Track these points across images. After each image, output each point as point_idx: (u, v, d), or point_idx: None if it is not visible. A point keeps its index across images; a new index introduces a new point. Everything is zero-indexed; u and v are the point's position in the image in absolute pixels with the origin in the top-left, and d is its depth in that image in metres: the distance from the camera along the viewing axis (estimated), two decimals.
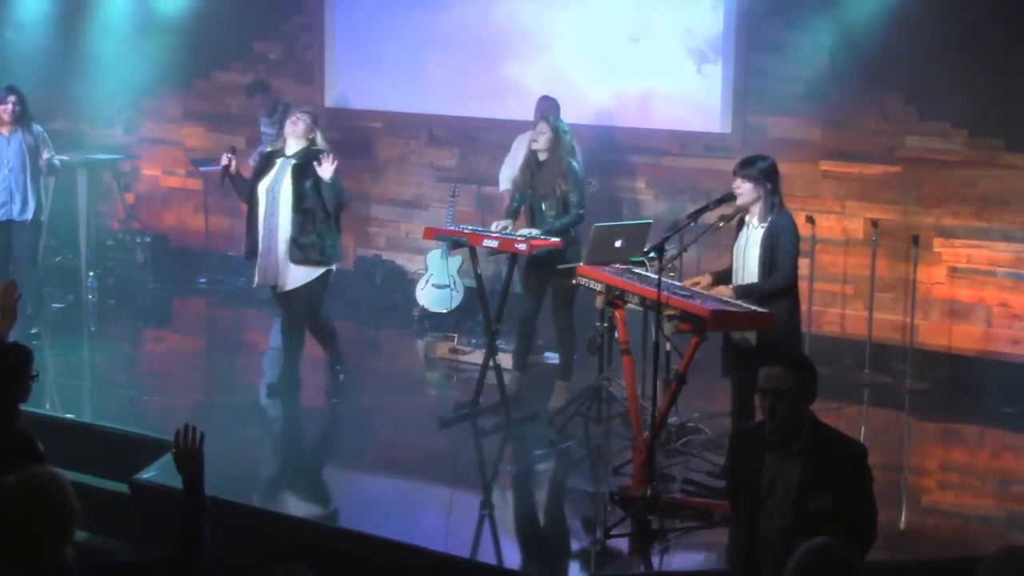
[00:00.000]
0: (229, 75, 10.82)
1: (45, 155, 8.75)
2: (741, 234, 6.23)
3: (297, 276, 7.35)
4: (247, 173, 7.69)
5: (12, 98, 8.63)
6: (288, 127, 7.48)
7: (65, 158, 9.59)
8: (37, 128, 8.82)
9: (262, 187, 7.36)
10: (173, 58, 10.59)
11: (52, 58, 10.59)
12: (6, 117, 8.65)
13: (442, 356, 8.54)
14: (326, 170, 7.16)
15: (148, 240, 10.64)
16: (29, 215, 8.74)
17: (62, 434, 6.48)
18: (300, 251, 7.28)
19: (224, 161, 7.46)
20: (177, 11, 10.43)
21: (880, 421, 7.84)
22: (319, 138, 7.46)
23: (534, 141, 7.30)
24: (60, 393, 7.68)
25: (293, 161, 7.33)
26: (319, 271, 7.38)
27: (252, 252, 7.46)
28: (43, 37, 10.68)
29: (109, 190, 11.04)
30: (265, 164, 7.48)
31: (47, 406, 7.26)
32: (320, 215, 7.28)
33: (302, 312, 7.52)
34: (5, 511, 3.30)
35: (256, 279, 7.54)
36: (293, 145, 7.42)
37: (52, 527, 3.32)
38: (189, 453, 3.82)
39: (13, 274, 8.63)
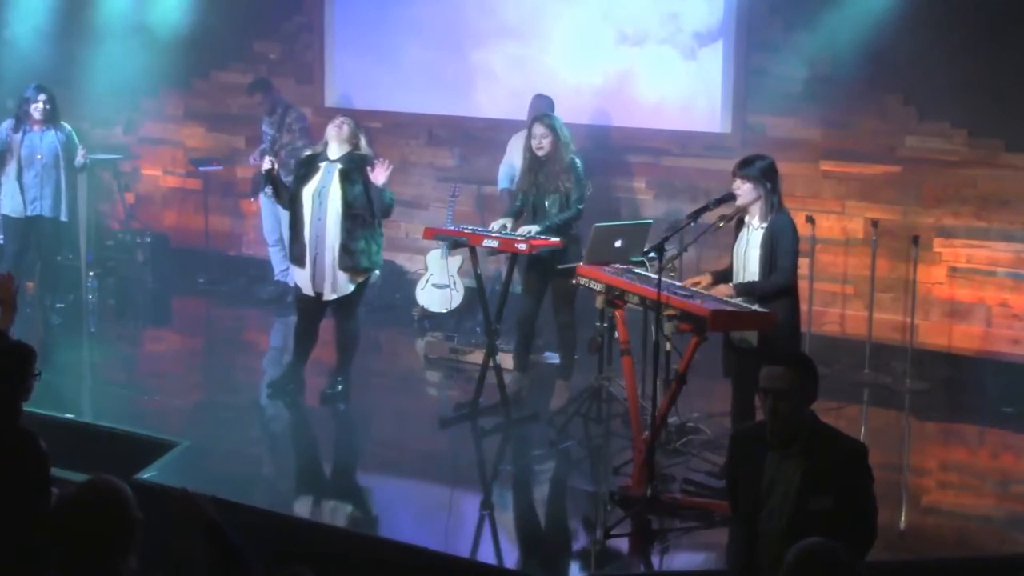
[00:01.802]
0: (229, 75, 10.82)
1: (81, 152, 8.97)
2: (741, 234, 6.23)
3: (345, 283, 7.29)
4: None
5: (43, 96, 8.83)
6: (332, 130, 7.35)
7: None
8: (67, 127, 9.02)
9: (307, 192, 7.26)
10: (173, 58, 10.59)
11: (52, 58, 10.58)
12: (37, 115, 8.83)
13: (442, 356, 8.54)
14: (380, 176, 7.12)
15: (148, 240, 10.63)
16: (60, 213, 8.95)
17: (62, 434, 6.47)
18: (350, 258, 7.21)
19: (267, 165, 7.41)
20: (177, 11, 10.43)
21: (880, 421, 7.84)
22: (363, 142, 7.39)
23: (539, 148, 7.25)
24: (60, 393, 7.67)
25: (339, 166, 7.25)
26: (363, 277, 7.36)
27: (299, 259, 7.35)
28: (43, 37, 10.69)
29: (109, 190, 11.04)
30: (308, 168, 7.36)
31: (47, 406, 7.24)
32: (368, 220, 7.24)
33: (342, 315, 7.46)
34: (65, 521, 3.28)
35: (305, 287, 7.37)
36: (336, 149, 7.31)
37: (112, 538, 3.28)
38: (188, 507, 3.65)
39: (37, 268, 8.84)
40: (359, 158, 7.27)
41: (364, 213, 7.22)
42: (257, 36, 10.68)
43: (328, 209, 7.21)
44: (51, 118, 8.86)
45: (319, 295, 7.36)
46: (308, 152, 7.63)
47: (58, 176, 8.87)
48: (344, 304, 7.41)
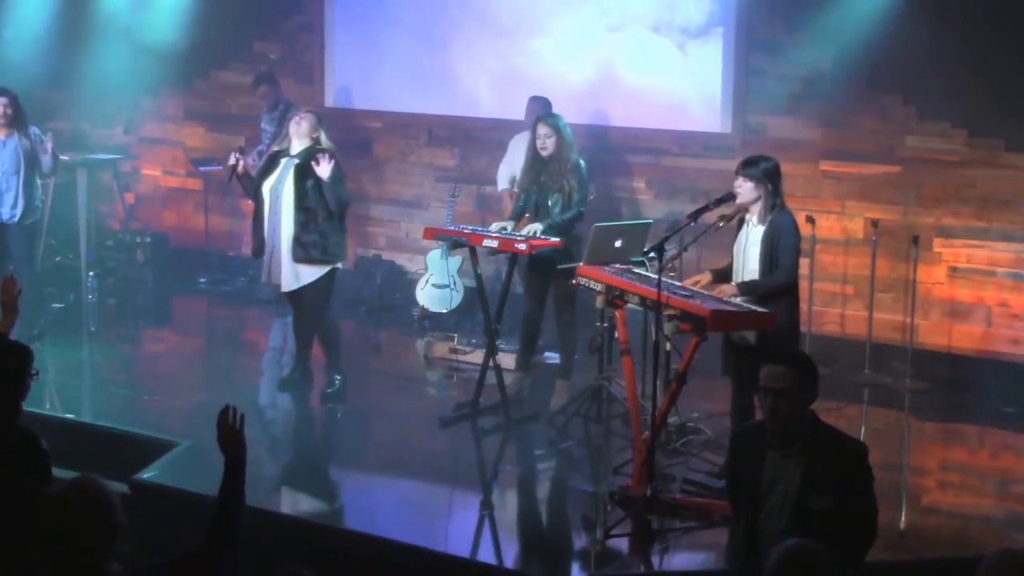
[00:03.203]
0: (229, 75, 10.83)
1: (49, 145, 8.53)
2: (741, 233, 6.23)
3: (301, 275, 7.38)
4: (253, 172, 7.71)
5: (3, 100, 8.45)
6: (292, 127, 7.48)
7: (65, 158, 9.57)
8: (34, 131, 8.65)
9: (266, 187, 7.41)
10: (173, 58, 10.59)
11: (52, 58, 10.58)
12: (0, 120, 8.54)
13: (442, 356, 8.54)
14: (323, 170, 7.19)
15: (148, 240, 10.64)
16: (23, 217, 8.58)
17: (62, 434, 6.47)
18: (302, 250, 7.30)
19: (231, 161, 7.47)
20: (177, 11, 10.43)
21: (880, 421, 7.84)
22: (323, 137, 7.45)
23: (543, 148, 7.25)
24: (60, 393, 7.67)
25: (296, 160, 7.36)
26: (323, 270, 7.39)
27: (259, 252, 7.52)
28: (43, 37, 10.68)
29: (109, 190, 11.04)
30: (270, 164, 7.50)
31: (47, 406, 7.26)
32: (323, 214, 7.30)
33: (310, 309, 7.54)
34: (49, 522, 3.27)
35: (263, 277, 7.65)
36: (297, 145, 7.43)
37: (95, 538, 3.28)
38: (232, 434, 3.77)
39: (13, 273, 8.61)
40: (317, 152, 7.32)
41: (316, 207, 7.28)
42: (257, 36, 10.68)
43: (283, 203, 7.32)
44: (15, 122, 8.50)
45: (277, 287, 7.50)
46: (275, 149, 7.72)
47: (18, 183, 8.51)
48: (309, 298, 7.47)
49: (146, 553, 3.59)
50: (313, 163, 7.22)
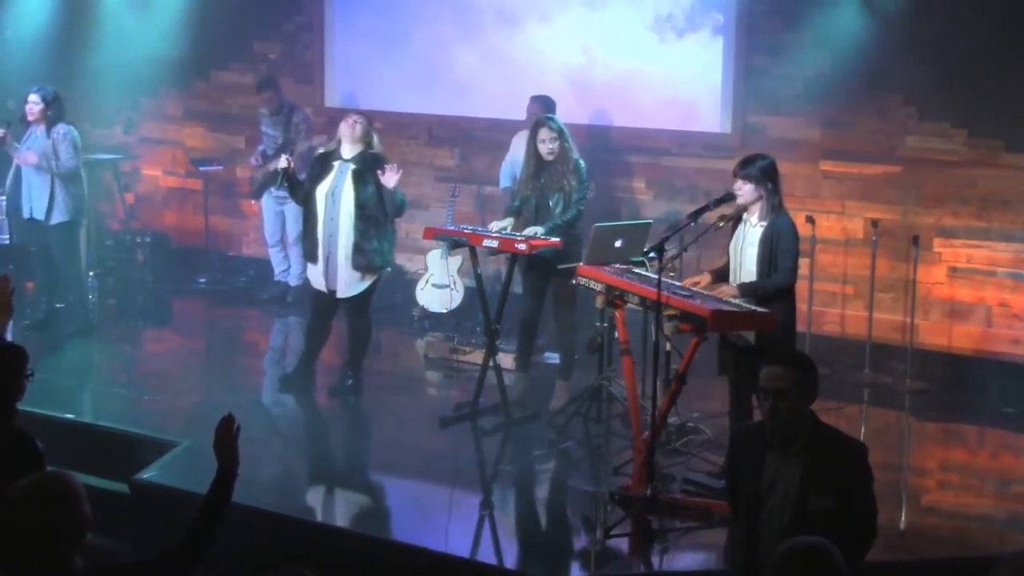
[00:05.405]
0: (229, 75, 10.83)
1: (57, 159, 8.61)
2: (738, 231, 6.23)
3: (358, 280, 7.39)
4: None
5: (32, 97, 8.59)
6: (345, 130, 7.40)
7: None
8: (61, 129, 8.65)
9: (321, 191, 7.34)
10: (173, 58, 10.60)
11: (52, 58, 10.58)
12: (29, 117, 8.58)
13: (442, 356, 8.54)
14: (390, 179, 7.18)
15: (148, 240, 10.64)
16: (53, 216, 8.64)
17: (62, 434, 6.48)
18: (363, 257, 7.29)
19: (283, 163, 7.43)
20: (177, 10, 10.43)
21: (880, 421, 7.84)
22: (375, 141, 7.44)
23: (550, 153, 7.20)
24: (60, 393, 7.67)
25: (352, 165, 7.31)
26: (376, 275, 7.45)
27: (311, 255, 7.47)
28: (43, 37, 10.68)
29: (109, 190, 11.04)
30: (321, 167, 7.43)
31: (47, 406, 7.24)
32: (380, 220, 7.31)
33: (355, 312, 7.55)
34: (15, 515, 3.26)
35: (318, 283, 7.51)
36: (349, 148, 7.38)
37: (61, 532, 3.27)
38: (228, 443, 3.78)
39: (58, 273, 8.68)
40: (372, 158, 7.31)
41: (377, 213, 7.29)
42: (257, 36, 10.68)
43: (341, 209, 7.28)
44: (45, 119, 8.58)
45: (332, 292, 7.43)
46: (321, 150, 7.66)
47: (41, 180, 8.58)
48: (356, 301, 7.49)
49: (145, 553, 3.58)
50: (379, 172, 7.21)
